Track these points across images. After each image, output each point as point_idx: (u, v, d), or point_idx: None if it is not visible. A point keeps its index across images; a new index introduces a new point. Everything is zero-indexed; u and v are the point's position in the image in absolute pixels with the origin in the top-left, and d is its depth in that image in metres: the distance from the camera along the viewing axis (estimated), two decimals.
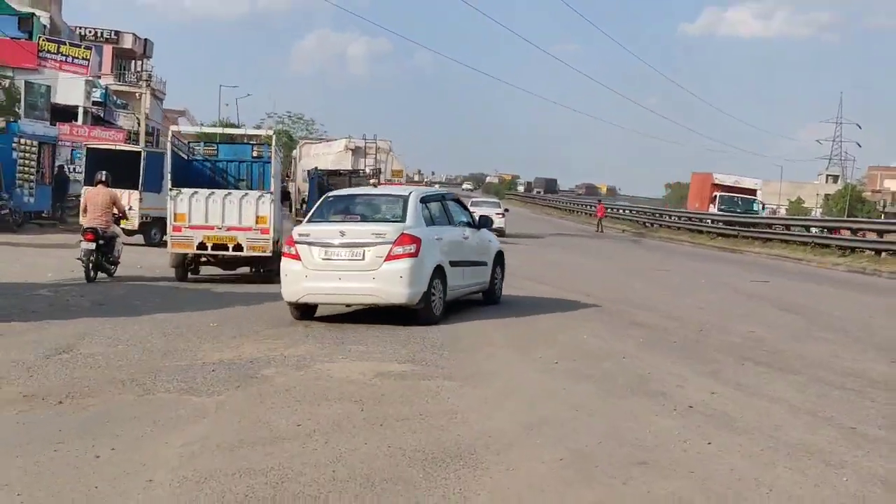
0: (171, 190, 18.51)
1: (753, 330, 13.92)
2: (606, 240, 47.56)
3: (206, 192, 18.34)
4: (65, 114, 48.53)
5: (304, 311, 13.37)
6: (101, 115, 53.17)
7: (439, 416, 7.47)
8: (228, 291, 16.90)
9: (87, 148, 29.73)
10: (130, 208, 18.22)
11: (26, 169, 32.86)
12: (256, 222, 18.13)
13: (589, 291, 18.50)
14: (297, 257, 12.86)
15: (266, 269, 18.42)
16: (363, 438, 6.60)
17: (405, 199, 13.62)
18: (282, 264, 13.41)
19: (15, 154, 32.14)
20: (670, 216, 60.04)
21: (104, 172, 18.90)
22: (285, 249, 13.53)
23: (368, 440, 6.56)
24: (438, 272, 12.98)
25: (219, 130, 27.39)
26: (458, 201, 16.24)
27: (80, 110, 50.24)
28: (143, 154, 26.39)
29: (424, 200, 14.07)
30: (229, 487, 5.31)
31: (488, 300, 15.51)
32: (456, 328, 12.64)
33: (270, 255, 17.85)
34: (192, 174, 19.90)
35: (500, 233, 39.12)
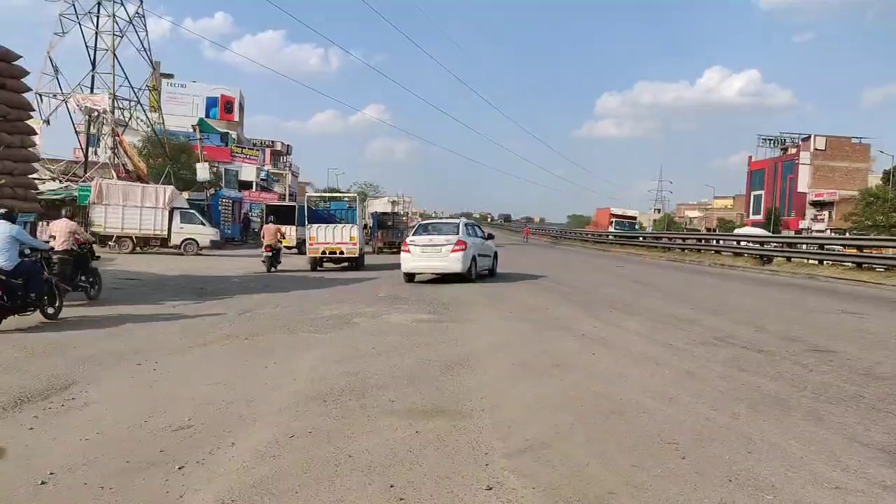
0: (308, 224, 20.74)
1: (617, 291, 14.17)
2: (532, 245, 47.62)
3: (325, 225, 20.69)
4: (246, 185, 51.77)
5: (410, 278, 15.92)
6: (265, 186, 56.10)
7: (448, 342, 7.73)
8: (334, 278, 17.36)
9: (266, 204, 32.66)
10: (284, 235, 20.98)
11: (226, 215, 36.54)
12: (349, 240, 20.36)
13: (527, 271, 19.00)
14: (408, 251, 15.74)
15: (356, 264, 20.88)
16: (407, 355, 6.87)
17: (458, 224, 16.54)
18: (401, 254, 16.09)
19: (220, 207, 36.06)
20: (573, 233, 62.43)
21: (272, 217, 23.12)
22: (403, 248, 16.21)
23: (410, 355, 6.83)
24: (473, 259, 15.83)
25: (328, 194, 31.29)
26: (478, 226, 18.33)
27: (254, 183, 53.11)
28: (296, 207, 27.90)
29: (466, 225, 16.73)
30: (336, 381, 5.63)
31: (491, 274, 17.75)
32: (457, 296, 13.12)
33: (357, 256, 20.65)
34: (318, 216, 22.24)
35: None
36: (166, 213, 25.76)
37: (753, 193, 66.87)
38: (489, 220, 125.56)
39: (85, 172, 32.49)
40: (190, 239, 25.96)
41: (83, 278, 10.70)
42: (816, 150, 59.92)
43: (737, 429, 4.49)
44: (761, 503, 3.26)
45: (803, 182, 59.52)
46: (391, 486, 3.36)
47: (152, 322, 8.98)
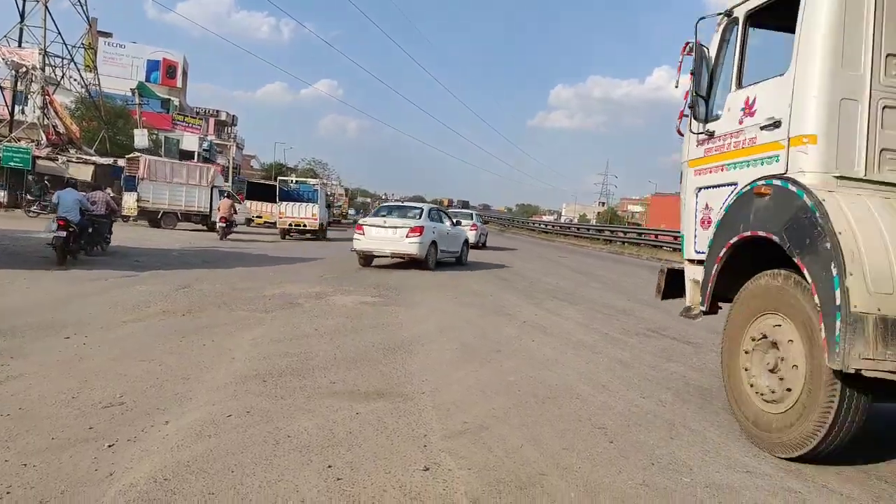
0: (279, 201, 26.24)
1: (559, 281, 14.57)
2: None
3: (292, 202, 25.95)
4: (187, 155, 49.53)
5: (367, 261, 15.80)
6: (207, 157, 54.31)
7: (392, 325, 7.80)
8: (279, 257, 17.26)
9: (248, 181, 34.71)
10: (237, 210, 23.84)
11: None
12: (311, 216, 25.74)
13: (473, 258, 19.31)
14: (363, 232, 15.38)
15: (317, 236, 25.87)
16: (350, 337, 6.89)
17: (422, 209, 16.16)
18: (355, 235, 15.69)
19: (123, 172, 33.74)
20: (521, 222, 64.21)
21: (227, 192, 25.39)
22: (357, 228, 15.97)
23: (353, 338, 6.85)
24: (433, 245, 15.36)
25: (303, 179, 32.19)
26: (446, 213, 18.87)
27: (196, 154, 51.22)
28: (277, 186, 28.87)
29: (431, 210, 16.58)
30: (277, 361, 5.62)
31: (458, 262, 17.52)
32: (405, 280, 13.24)
33: (318, 229, 25.82)
34: (287, 195, 26.51)
35: None
36: (208, 191, 26.74)
37: None
38: (447, 205, 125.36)
39: (10, 132, 30.93)
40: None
41: (108, 236, 14.37)
42: None
43: (662, 415, 4.74)
44: (679, 485, 3.47)
45: None
46: (329, 467, 3.42)
47: (83, 294, 8.71)
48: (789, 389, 3.92)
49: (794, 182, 4.00)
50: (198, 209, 26.56)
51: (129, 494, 2.99)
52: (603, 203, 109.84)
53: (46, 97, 33.03)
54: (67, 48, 35.79)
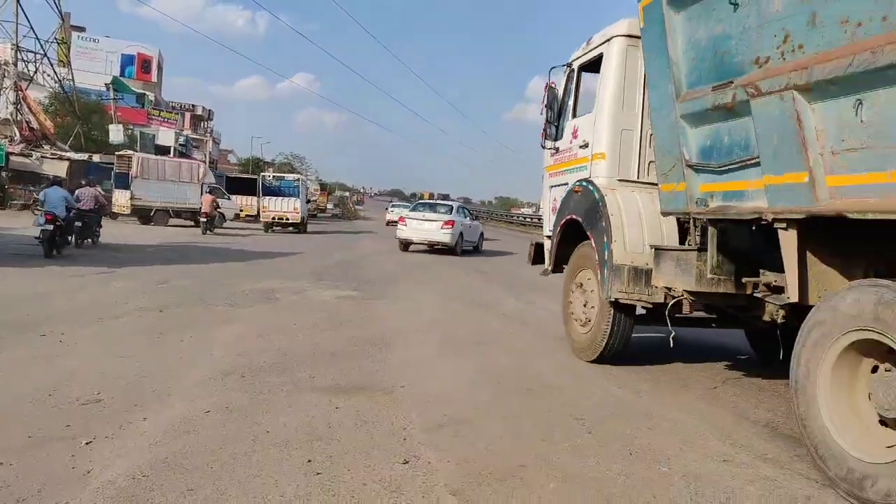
0: (262, 196, 27.21)
1: (536, 272, 14.98)
2: None
3: (275, 197, 27.03)
4: (163, 150, 48.70)
5: (405, 247, 19.80)
6: (183, 152, 53.67)
7: (372, 319, 7.80)
8: (257, 252, 17.01)
9: (227, 176, 34.56)
10: (220, 205, 25.17)
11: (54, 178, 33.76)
12: (293, 209, 26.84)
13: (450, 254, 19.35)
14: (404, 223, 19.65)
15: (299, 229, 27.14)
16: (330, 332, 6.89)
17: (451, 206, 20.26)
18: (398, 226, 20.09)
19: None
20: (499, 214, 64.78)
21: (210, 187, 26.07)
22: (400, 221, 20.29)
23: (332, 332, 6.85)
24: (460, 235, 19.12)
25: (282, 174, 32.92)
26: (467, 209, 22.38)
27: (172, 149, 50.44)
28: (257, 180, 30.30)
29: (458, 207, 20.52)
30: (255, 357, 5.58)
31: (476, 250, 21.04)
32: (383, 274, 13.23)
33: (299, 222, 27.03)
34: (270, 190, 27.46)
35: None
36: (199, 188, 26.60)
37: None
38: (428, 199, 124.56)
39: None
40: (219, 213, 26.83)
41: (97, 230, 15.26)
42: None
43: (639, 406, 4.79)
44: (656, 474, 3.51)
45: None
46: (309, 461, 3.42)
47: (60, 291, 8.58)
48: (590, 320, 6.06)
49: (592, 184, 6.03)
50: (189, 206, 26.43)
51: (107, 491, 2.96)
52: None
53: (19, 93, 32.39)
54: (40, 43, 35.13)
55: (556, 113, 7.12)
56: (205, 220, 22.58)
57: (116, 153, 28.50)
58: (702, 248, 4.90)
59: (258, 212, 29.32)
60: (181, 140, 54.72)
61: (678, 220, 5.47)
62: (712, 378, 5.79)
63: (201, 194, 26.31)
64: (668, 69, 4.91)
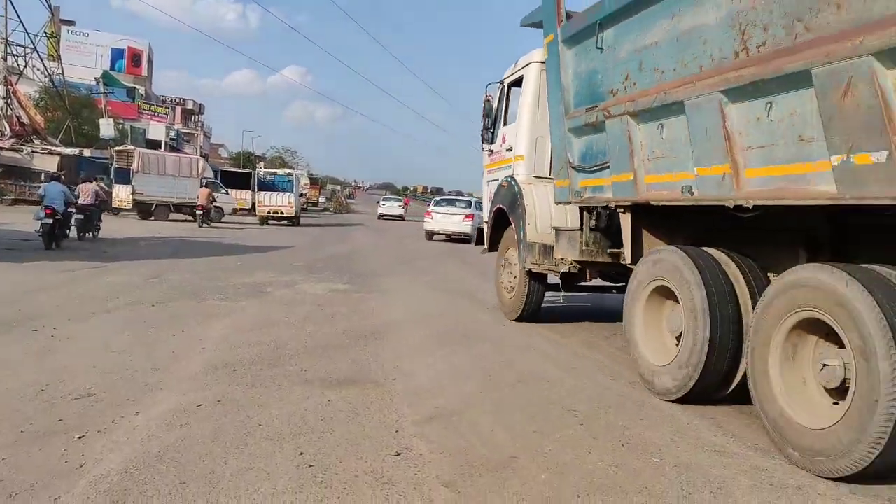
0: (258, 191, 28.48)
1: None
2: None
3: (270, 192, 28.04)
4: (154, 144, 48.56)
5: (430, 237, 23.62)
6: (174, 146, 53.39)
7: (363, 312, 7.79)
8: (249, 245, 17.03)
9: (221, 171, 34.46)
10: (216, 198, 25.56)
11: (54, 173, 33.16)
12: (288, 204, 27.79)
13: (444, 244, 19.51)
14: (430, 216, 23.58)
15: (293, 222, 28.03)
16: (321, 325, 6.87)
17: (471, 201, 23.31)
18: (425, 219, 24.07)
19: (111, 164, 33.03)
20: None
21: (206, 181, 25.84)
22: (426, 214, 24.38)
23: (324, 325, 6.84)
24: (479, 227, 20.86)
25: (274, 170, 33.86)
26: (479, 202, 24.63)
27: (163, 143, 50.30)
28: (251, 174, 32.37)
29: (476, 202, 21.08)
30: (247, 350, 5.57)
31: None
32: (374, 267, 13.24)
33: (293, 215, 27.95)
34: (265, 185, 28.81)
35: (401, 217, 40.22)
36: (198, 182, 26.52)
37: None
38: (422, 193, 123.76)
39: None
40: (217, 207, 27.03)
41: (98, 224, 15.77)
42: None
43: (631, 397, 4.81)
44: (648, 465, 3.53)
45: None
46: (301, 454, 3.41)
47: (51, 287, 8.53)
48: (514, 287, 7.64)
49: (514, 180, 7.56)
50: (189, 200, 26.44)
51: (100, 486, 2.95)
52: None
53: (9, 87, 32.12)
54: (30, 37, 34.88)
55: (493, 121, 8.57)
56: (201, 213, 23.13)
57: (116, 149, 28.61)
58: (582, 228, 6.48)
59: (252, 206, 30.26)
60: (172, 134, 54.52)
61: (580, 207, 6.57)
62: None
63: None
64: (560, 92, 6.30)
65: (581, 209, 6.52)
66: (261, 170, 32.92)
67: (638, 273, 5.23)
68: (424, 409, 4.28)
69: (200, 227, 22.51)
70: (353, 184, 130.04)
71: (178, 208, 26.45)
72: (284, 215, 27.93)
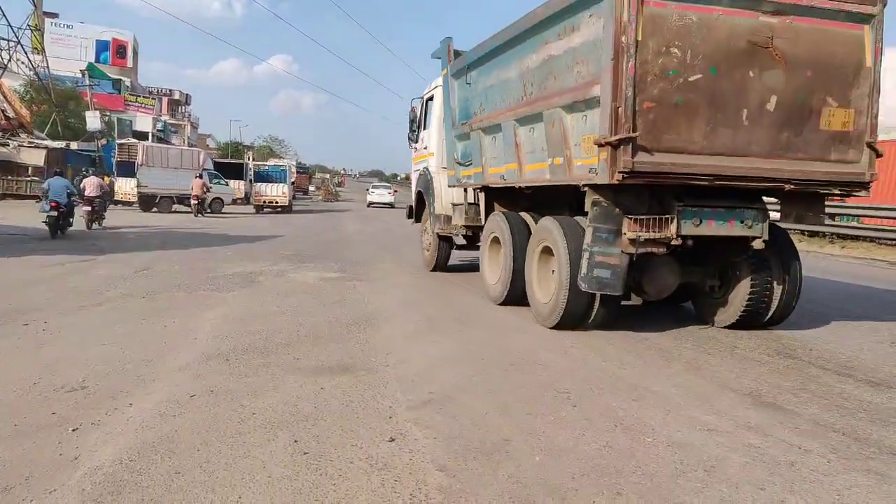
0: (254, 182, 30.11)
1: None
2: None
3: (265, 183, 29.85)
4: (141, 136, 48.32)
5: (370, 205, 32.91)
6: (162, 137, 52.89)
7: (354, 300, 7.75)
8: (238, 235, 16.95)
9: (214, 160, 34.14)
10: (210, 189, 25.48)
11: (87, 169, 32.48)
12: (282, 193, 29.77)
13: None
14: (370, 192, 35.96)
15: (286, 210, 29.74)
16: (313, 313, 6.83)
17: (389, 185, 33.11)
18: (367, 194, 36.85)
19: (113, 159, 31.89)
20: None
21: (203, 172, 25.61)
22: (368, 191, 35.39)
23: (316, 314, 6.80)
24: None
25: (268, 162, 36.00)
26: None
27: (150, 134, 49.86)
28: (243, 164, 33.75)
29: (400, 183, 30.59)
30: (239, 340, 5.55)
31: (392, 206, 27.66)
32: (364, 254, 13.24)
33: (287, 204, 29.97)
34: (261, 176, 30.35)
35: (391, 205, 40.29)
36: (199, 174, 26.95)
37: None
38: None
39: None
40: (217, 197, 27.47)
41: (103, 214, 17.14)
42: None
43: (624, 378, 4.82)
44: (641, 444, 3.54)
45: None
46: (295, 441, 3.41)
47: (41, 281, 8.46)
48: (430, 247, 10.51)
49: (428, 170, 10.38)
50: (190, 192, 26.88)
51: (95, 477, 2.94)
52: None
53: None
54: (13, 30, 34.41)
55: (416, 126, 11.24)
56: (196, 202, 23.63)
57: (119, 142, 29.25)
58: (465, 203, 9.15)
59: (245, 195, 32.17)
60: (159, 125, 53.99)
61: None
62: (694, 349, 5.84)
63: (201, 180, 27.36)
64: (450, 110, 9.13)
65: (464, 190, 9.22)
66: (250, 161, 33.93)
67: (484, 230, 8.45)
68: (418, 394, 4.28)
69: (196, 216, 23.07)
70: (343, 172, 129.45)
71: (181, 200, 26.57)
72: (279, 204, 29.77)
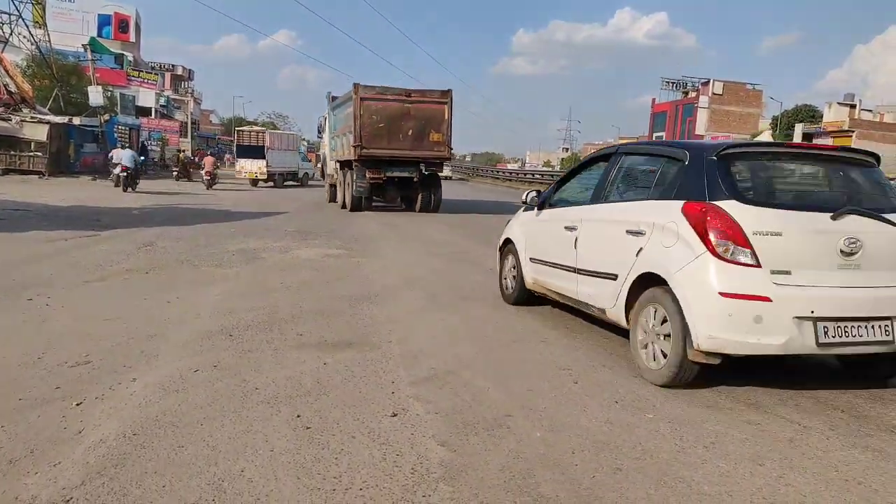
0: (237, 156, 32.32)
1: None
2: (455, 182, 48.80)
3: (247, 159, 31.02)
4: (144, 111, 48.73)
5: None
6: (164, 113, 52.58)
7: (358, 277, 7.78)
8: (241, 212, 17.07)
9: (238, 145, 33.21)
10: (220, 165, 30.02)
11: (122, 143, 32.16)
12: (260, 169, 30.33)
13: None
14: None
15: (302, 183, 33.08)
16: (317, 290, 6.87)
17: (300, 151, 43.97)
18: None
19: (115, 134, 33.81)
20: (485, 170, 64.75)
21: (210, 150, 29.31)
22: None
23: (320, 290, 6.83)
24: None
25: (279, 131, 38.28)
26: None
27: (153, 110, 49.78)
28: (265, 146, 31.36)
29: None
30: (243, 316, 5.55)
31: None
32: (368, 231, 13.27)
33: (301, 178, 33.65)
34: (243, 149, 31.77)
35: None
36: (296, 154, 33.73)
37: (655, 134, 69.27)
38: None
39: None
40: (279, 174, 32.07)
41: (137, 181, 22.52)
42: (714, 94, 62.54)
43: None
44: (642, 420, 3.55)
45: (701, 125, 62.20)
46: (298, 416, 3.42)
47: (44, 256, 8.47)
48: (327, 192, 22.70)
49: (325, 157, 23.96)
50: (291, 170, 32.96)
51: (98, 450, 2.95)
52: (567, 149, 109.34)
53: None
54: (14, 4, 34.03)
55: (320, 131, 24.03)
56: (208, 178, 25.80)
57: (238, 128, 34.60)
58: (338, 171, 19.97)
59: (267, 173, 32.19)
60: (162, 101, 53.69)
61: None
62: None
63: (302, 161, 34.31)
64: (331, 125, 21.23)
65: (335, 162, 19.94)
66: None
67: (334, 178, 20.39)
68: (420, 370, 4.29)
69: (208, 189, 25.17)
70: None
71: (284, 177, 31.82)
72: (258, 178, 31.14)
